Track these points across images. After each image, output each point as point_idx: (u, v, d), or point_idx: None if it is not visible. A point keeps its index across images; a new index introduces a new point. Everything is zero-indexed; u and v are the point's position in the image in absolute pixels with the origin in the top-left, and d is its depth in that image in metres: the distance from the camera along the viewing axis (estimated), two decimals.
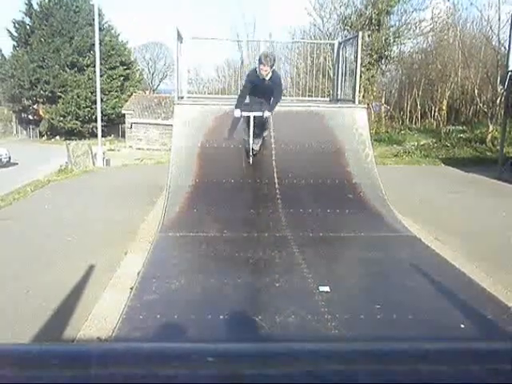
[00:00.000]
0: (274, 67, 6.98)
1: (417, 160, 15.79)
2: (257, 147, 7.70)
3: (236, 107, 7.22)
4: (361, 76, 10.49)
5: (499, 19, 19.34)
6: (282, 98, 7.97)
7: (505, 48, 16.67)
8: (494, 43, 20.97)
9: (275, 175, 7.37)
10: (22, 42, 40.78)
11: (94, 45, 21.18)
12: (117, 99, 41.76)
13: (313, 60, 11.51)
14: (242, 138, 7.71)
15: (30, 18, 40.90)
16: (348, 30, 21.27)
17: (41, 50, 39.39)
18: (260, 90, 7.16)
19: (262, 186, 7.29)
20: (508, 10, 18.41)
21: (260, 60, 6.88)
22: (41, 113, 42.25)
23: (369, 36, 20.76)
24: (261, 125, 7.51)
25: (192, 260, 5.64)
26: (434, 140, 20.11)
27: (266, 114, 7.19)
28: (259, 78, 6.96)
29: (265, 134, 7.77)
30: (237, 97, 7.46)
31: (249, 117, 7.32)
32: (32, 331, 3.71)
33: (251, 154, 7.56)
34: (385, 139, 22.15)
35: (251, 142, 7.42)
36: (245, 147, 7.67)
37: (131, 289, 4.47)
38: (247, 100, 7.33)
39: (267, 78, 6.95)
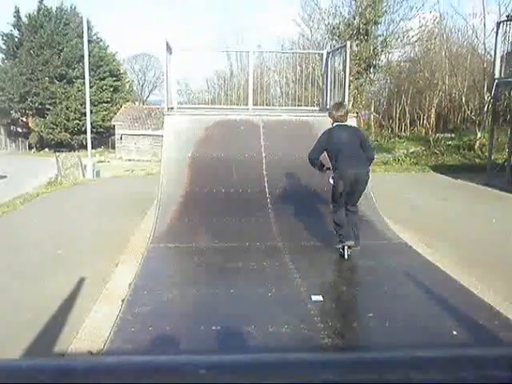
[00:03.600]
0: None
1: (406, 167, 15.89)
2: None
3: None
4: (349, 85, 10.58)
5: (484, 28, 19.61)
6: (272, 107, 7.99)
7: (491, 56, 16.91)
8: (479, 51, 21.24)
9: (266, 184, 7.38)
10: (10, 55, 40.69)
11: (83, 56, 21.21)
12: (106, 111, 41.72)
13: (302, 70, 11.60)
14: (232, 149, 7.69)
15: (19, 30, 40.85)
16: (336, 40, 21.42)
17: (30, 62, 39.32)
18: None
19: (252, 196, 7.29)
20: (493, 18, 18.66)
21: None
22: (30, 125, 42.07)
23: (357, 45, 20.91)
24: None
25: (184, 271, 5.61)
26: (423, 147, 20.26)
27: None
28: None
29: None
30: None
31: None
32: (22, 345, 3.66)
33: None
34: (374, 147, 22.21)
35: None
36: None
37: (122, 301, 4.44)
38: None
39: None
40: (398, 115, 27.62)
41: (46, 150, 41.01)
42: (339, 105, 5.75)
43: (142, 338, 3.71)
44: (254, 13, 74.09)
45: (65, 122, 40.18)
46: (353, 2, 21.83)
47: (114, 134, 38.48)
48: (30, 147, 43.00)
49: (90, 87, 27.18)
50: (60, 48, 40.01)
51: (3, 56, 41.36)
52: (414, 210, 8.62)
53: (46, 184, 14.49)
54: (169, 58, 8.51)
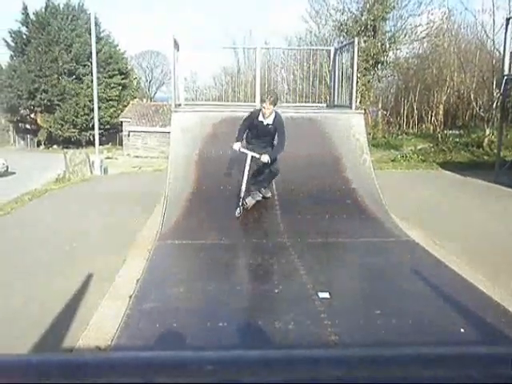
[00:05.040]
0: (276, 107, 6.51)
1: (414, 164, 15.81)
2: (250, 201, 6.88)
3: (236, 140, 6.71)
4: (357, 81, 10.55)
5: (493, 24, 19.47)
6: (279, 104, 7.95)
7: (500, 52, 16.77)
8: (488, 48, 21.09)
9: (273, 181, 7.37)
10: (19, 52, 40.88)
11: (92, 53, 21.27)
12: (114, 108, 41.84)
13: (309, 66, 11.57)
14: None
15: (27, 27, 41.02)
16: (344, 36, 21.36)
17: (38, 59, 39.47)
18: (260, 133, 6.68)
19: None
20: (502, 14, 18.52)
21: (262, 97, 6.64)
22: (39, 122, 42.26)
23: (365, 42, 20.84)
24: (261, 173, 6.87)
25: (191, 267, 5.63)
26: (431, 144, 20.15)
27: (264, 158, 6.44)
28: (260, 121, 6.56)
29: (268, 194, 7.10)
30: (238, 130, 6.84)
31: (246, 155, 6.67)
32: (31, 340, 3.69)
33: (240, 205, 6.68)
34: (382, 144, 22.21)
35: (243, 188, 6.62)
36: (237, 194, 6.75)
37: (130, 297, 4.46)
38: (250, 144, 6.81)
39: (270, 122, 6.54)
40: (405, 112, 27.51)
41: (55, 146, 41.22)
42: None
43: (149, 333, 3.73)
44: (261, 10, 73.90)
45: (73, 118, 40.34)
46: None
47: (121, 131, 38.60)
48: (39, 144, 43.23)
49: (99, 84, 27.28)
50: (68, 44, 40.12)
51: (12, 53, 41.54)
52: (421, 207, 8.59)
53: (54, 180, 14.56)
54: (176, 55, 8.51)
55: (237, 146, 6.64)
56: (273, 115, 6.50)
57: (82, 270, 5.28)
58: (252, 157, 6.61)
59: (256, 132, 6.68)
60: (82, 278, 5.04)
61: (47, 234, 7.00)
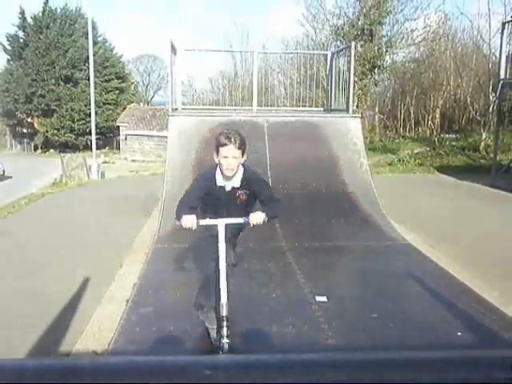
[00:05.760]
0: (244, 157, 3.35)
1: (411, 168, 15.84)
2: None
3: (178, 214, 3.34)
4: (354, 86, 10.58)
5: (489, 28, 19.55)
6: (277, 108, 7.95)
7: (496, 56, 16.85)
8: (485, 52, 21.17)
9: (270, 184, 7.36)
10: (16, 56, 40.81)
11: (89, 57, 21.26)
12: (111, 111, 41.81)
13: (306, 70, 11.59)
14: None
15: (24, 31, 40.98)
16: (341, 41, 21.42)
17: (35, 63, 39.42)
18: (222, 207, 3.53)
19: None
20: (498, 19, 18.62)
21: (219, 140, 3.26)
22: (35, 126, 42.20)
23: (361, 46, 20.91)
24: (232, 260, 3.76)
25: (188, 271, 5.61)
26: (428, 148, 20.18)
27: (259, 218, 3.34)
28: (220, 186, 3.44)
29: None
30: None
31: (216, 231, 3.37)
32: (27, 345, 3.68)
33: (226, 335, 3.15)
34: (379, 148, 22.23)
35: (223, 297, 3.21)
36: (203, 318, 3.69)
37: (127, 301, 4.45)
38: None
39: (236, 185, 3.44)
40: (402, 116, 27.54)
41: (52, 150, 41.14)
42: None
43: (147, 338, 3.72)
44: (258, 14, 74.11)
45: (70, 123, 40.29)
46: (357, 3, 21.84)
47: (118, 135, 38.56)
48: (36, 148, 43.14)
49: (95, 88, 27.25)
50: (66, 49, 40.10)
51: (9, 57, 41.49)
52: (418, 211, 8.59)
53: (50, 185, 14.52)
54: (173, 59, 8.51)
55: (191, 220, 3.27)
56: (240, 173, 3.42)
57: (78, 274, 5.26)
58: (226, 226, 3.36)
59: (216, 205, 3.55)
60: (79, 283, 5.03)
61: (43, 238, 6.98)
